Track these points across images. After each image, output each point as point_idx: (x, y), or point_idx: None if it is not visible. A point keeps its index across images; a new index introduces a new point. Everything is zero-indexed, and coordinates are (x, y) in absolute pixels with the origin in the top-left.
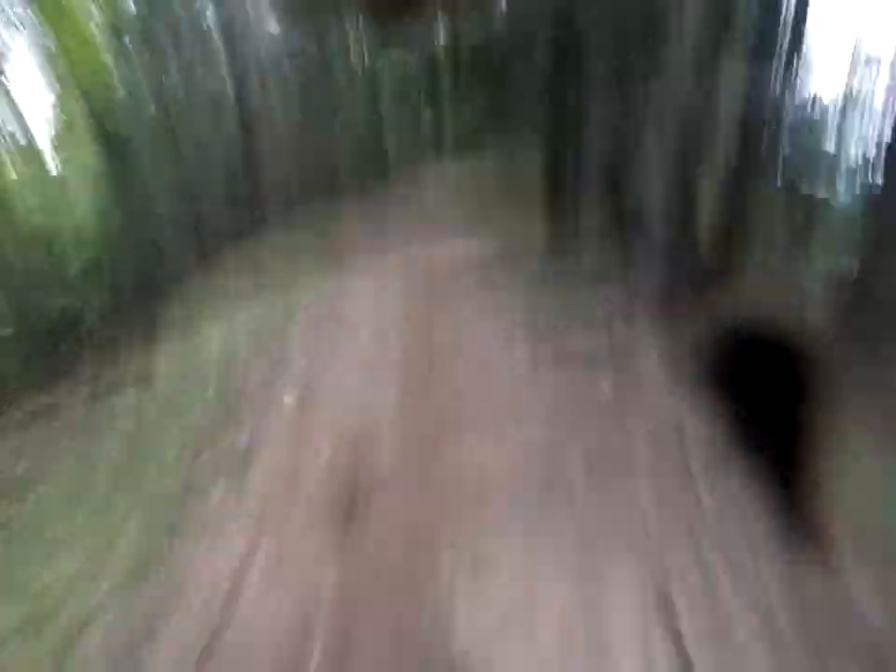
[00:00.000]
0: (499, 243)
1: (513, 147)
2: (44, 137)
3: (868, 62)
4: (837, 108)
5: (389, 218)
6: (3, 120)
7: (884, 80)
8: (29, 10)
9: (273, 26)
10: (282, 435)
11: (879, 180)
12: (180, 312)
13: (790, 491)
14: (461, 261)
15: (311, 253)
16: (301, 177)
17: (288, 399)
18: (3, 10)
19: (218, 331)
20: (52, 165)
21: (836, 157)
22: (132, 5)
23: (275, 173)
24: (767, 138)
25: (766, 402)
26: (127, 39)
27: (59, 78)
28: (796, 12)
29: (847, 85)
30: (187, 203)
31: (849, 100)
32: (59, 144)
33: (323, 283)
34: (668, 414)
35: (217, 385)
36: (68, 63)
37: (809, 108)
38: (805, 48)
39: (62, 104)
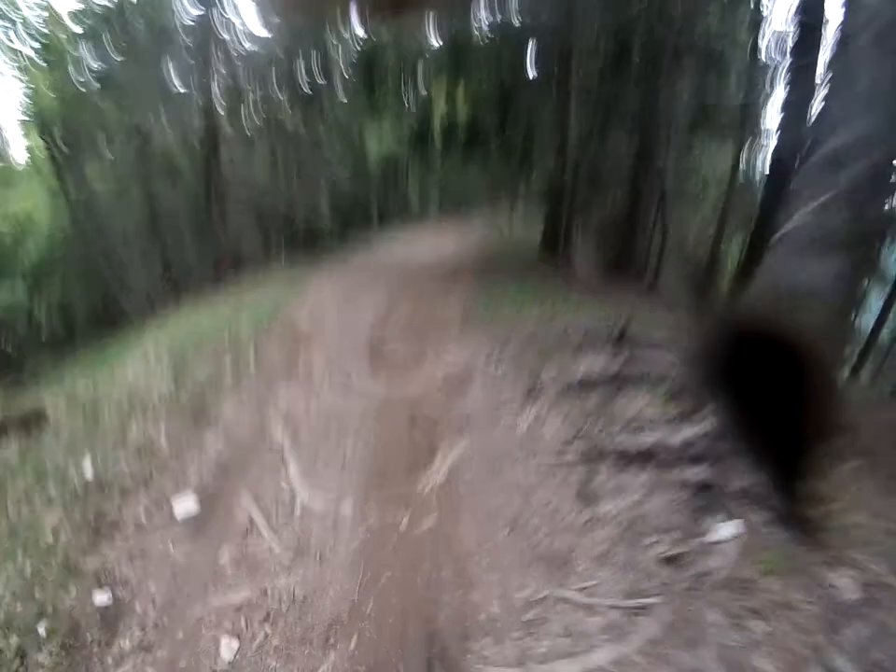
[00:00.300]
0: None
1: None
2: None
3: None
4: None
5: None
6: None
7: None
8: None
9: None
10: (166, 593)
11: None
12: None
13: (789, 491)
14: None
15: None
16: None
17: (186, 510)
18: None
19: (138, 364)
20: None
21: None
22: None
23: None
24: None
25: (766, 402)
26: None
27: (22, 71)
28: None
29: None
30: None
31: None
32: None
33: (285, 292)
34: None
35: (105, 452)
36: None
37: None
38: None
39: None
